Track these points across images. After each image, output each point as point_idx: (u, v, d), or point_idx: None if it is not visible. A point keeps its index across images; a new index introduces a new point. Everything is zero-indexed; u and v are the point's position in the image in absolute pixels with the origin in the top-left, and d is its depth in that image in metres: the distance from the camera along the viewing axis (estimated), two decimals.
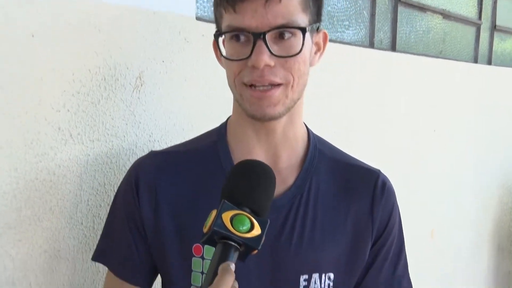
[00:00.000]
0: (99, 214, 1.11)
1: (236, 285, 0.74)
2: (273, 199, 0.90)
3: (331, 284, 0.96)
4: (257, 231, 0.77)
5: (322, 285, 0.95)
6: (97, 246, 1.01)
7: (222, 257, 0.75)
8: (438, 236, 2.39)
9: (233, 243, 0.76)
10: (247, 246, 0.76)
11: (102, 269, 1.12)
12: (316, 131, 1.03)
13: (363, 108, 1.96)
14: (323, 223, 0.95)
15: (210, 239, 0.77)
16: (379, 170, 1.02)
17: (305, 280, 0.94)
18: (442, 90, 2.41)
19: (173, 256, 0.93)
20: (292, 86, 0.88)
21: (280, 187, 0.94)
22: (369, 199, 0.98)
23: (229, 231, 0.75)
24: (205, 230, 0.77)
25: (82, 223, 1.09)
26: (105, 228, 1.00)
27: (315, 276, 0.94)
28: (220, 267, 0.73)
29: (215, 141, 0.98)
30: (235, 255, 0.76)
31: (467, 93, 2.63)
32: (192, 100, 1.29)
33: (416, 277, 2.03)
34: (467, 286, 2.73)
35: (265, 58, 0.83)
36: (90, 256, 1.03)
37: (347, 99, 1.89)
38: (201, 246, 0.92)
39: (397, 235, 1.02)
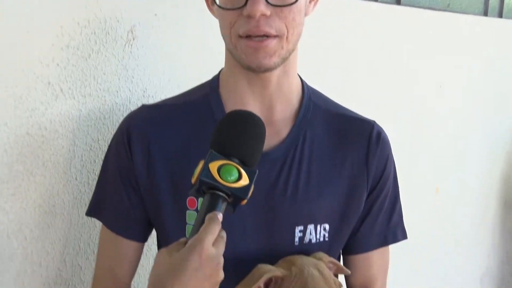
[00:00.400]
0: (93, 169, 1.11)
1: (224, 234, 0.74)
2: (267, 152, 0.90)
3: (326, 234, 0.95)
4: (244, 181, 0.76)
5: (318, 236, 0.95)
6: (91, 201, 1.01)
7: (209, 207, 0.75)
8: (443, 192, 2.38)
9: (220, 193, 0.75)
10: (235, 196, 0.76)
11: (99, 224, 1.12)
12: (316, 86, 1.01)
13: (365, 63, 1.92)
14: (317, 175, 0.94)
15: (199, 190, 0.76)
16: (374, 121, 1.01)
17: (300, 231, 0.94)
18: (449, 45, 2.35)
19: (167, 209, 0.93)
20: (287, 38, 0.86)
21: (274, 140, 0.93)
22: (364, 150, 0.97)
23: (216, 180, 0.74)
24: (193, 180, 0.76)
25: (76, 179, 1.09)
26: (98, 183, 1.00)
27: (310, 227, 0.94)
28: (207, 217, 0.73)
29: (207, 93, 0.96)
30: (223, 206, 0.76)
31: (476, 48, 2.56)
32: (187, 55, 1.26)
33: (420, 234, 2.04)
34: (474, 242, 2.73)
35: (261, 7, 0.81)
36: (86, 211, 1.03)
37: (349, 54, 1.85)
38: (195, 199, 0.92)
39: (392, 185, 1.02)
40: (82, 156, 1.09)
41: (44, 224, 1.04)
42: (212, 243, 0.71)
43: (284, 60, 0.88)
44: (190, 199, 0.92)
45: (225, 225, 0.89)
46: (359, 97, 1.81)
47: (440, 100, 2.35)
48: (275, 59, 0.86)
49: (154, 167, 0.93)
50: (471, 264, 2.75)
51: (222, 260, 0.72)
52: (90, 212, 1.00)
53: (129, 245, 0.97)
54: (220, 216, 0.74)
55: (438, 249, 2.43)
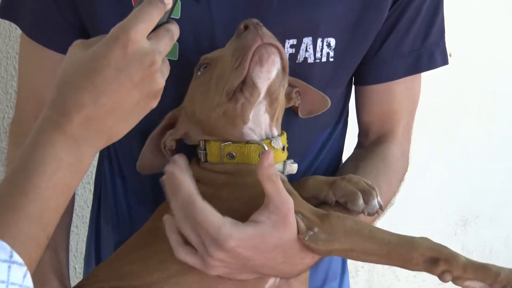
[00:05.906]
0: None
1: (172, 27, 0.52)
2: None
3: (331, 53, 0.70)
4: None
5: (317, 54, 0.70)
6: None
7: None
8: None
9: None
10: None
11: None
12: None
13: None
14: None
15: None
16: None
17: (292, 46, 0.68)
18: None
19: (104, 8, 0.68)
20: None
21: None
22: None
23: None
24: None
25: None
26: None
27: (307, 41, 0.69)
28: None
29: None
30: None
31: None
32: None
33: None
34: None
35: None
36: None
37: None
38: None
39: None
40: None
41: None
42: (145, 33, 0.49)
43: None
44: None
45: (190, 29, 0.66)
46: None
47: None
48: None
49: None
50: None
51: (159, 59, 0.49)
52: (3, 14, 0.75)
53: (56, 59, 0.71)
54: (167, 0, 0.50)
55: None
